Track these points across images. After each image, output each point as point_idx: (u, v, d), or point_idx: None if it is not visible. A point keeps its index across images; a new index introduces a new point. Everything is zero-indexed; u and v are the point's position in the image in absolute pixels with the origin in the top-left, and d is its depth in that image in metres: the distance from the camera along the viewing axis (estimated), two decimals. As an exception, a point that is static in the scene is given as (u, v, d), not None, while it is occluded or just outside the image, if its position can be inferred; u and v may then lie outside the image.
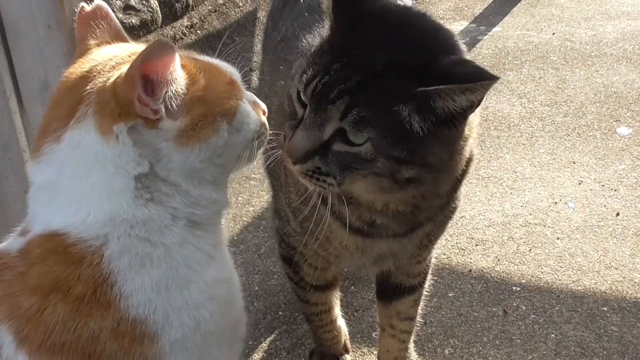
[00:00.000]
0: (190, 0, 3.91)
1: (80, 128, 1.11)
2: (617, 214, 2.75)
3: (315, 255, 1.81)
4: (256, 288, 2.49)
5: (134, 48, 1.23)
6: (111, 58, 1.18)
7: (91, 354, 1.10)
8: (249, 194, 2.97)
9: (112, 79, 1.11)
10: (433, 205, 1.58)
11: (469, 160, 1.57)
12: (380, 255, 1.69)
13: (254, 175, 3.05)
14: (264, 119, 1.33)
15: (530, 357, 2.17)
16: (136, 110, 1.09)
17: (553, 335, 2.24)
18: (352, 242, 1.65)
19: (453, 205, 1.69)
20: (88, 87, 1.13)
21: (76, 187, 1.12)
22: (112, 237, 1.12)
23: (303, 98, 1.37)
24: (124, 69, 1.10)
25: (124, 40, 1.30)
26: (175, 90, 1.11)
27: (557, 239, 2.64)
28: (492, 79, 1.28)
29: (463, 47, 1.45)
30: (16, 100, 1.62)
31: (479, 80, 1.27)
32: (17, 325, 1.10)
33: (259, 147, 1.31)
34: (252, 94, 1.33)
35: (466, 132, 1.41)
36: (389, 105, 1.30)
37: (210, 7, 4.05)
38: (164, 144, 1.13)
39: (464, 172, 1.58)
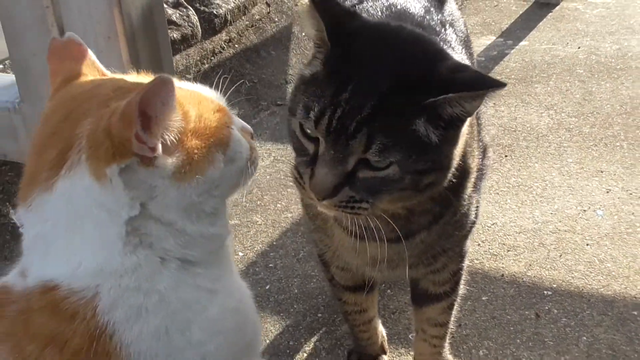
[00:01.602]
0: (229, 16, 3.95)
1: (72, 177, 1.06)
2: (646, 221, 2.74)
3: (332, 253, 1.82)
4: (295, 291, 2.51)
5: (115, 82, 1.18)
6: (94, 95, 1.12)
7: None
8: (287, 201, 3.00)
9: (104, 119, 1.04)
10: (425, 210, 1.55)
11: (465, 172, 1.57)
12: (374, 259, 1.64)
13: (290, 184, 3.07)
14: (253, 143, 1.28)
15: (562, 359, 2.17)
16: (133, 149, 1.03)
17: (585, 338, 2.24)
18: (348, 243, 1.65)
19: (455, 218, 1.65)
20: (76, 132, 1.06)
21: (69, 238, 1.07)
22: (104, 288, 1.07)
23: (312, 133, 1.33)
24: (116, 106, 1.05)
25: (99, 71, 1.25)
26: (171, 126, 1.06)
27: (587, 245, 2.64)
28: (500, 85, 1.29)
29: (447, 50, 1.45)
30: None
31: (486, 87, 1.29)
32: None
33: (252, 173, 1.26)
34: (239, 119, 1.28)
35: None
36: (405, 125, 1.29)
37: (247, 22, 4.08)
38: (160, 181, 1.08)
39: (459, 184, 1.55)
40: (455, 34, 2.02)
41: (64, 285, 1.06)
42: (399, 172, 1.31)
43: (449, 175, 1.43)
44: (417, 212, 1.54)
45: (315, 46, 1.41)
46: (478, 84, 1.29)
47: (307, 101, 1.32)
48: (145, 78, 1.22)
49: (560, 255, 2.59)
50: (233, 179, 1.20)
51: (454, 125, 1.35)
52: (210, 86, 1.26)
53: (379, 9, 1.89)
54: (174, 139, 1.06)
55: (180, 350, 1.11)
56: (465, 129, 1.43)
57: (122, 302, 1.07)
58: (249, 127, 1.29)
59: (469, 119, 1.41)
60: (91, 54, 1.25)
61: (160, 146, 1.05)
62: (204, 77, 3.60)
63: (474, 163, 1.63)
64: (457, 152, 1.43)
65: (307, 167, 1.34)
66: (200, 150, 1.10)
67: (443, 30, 1.97)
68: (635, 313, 2.31)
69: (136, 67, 1.57)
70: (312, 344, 2.30)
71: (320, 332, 2.34)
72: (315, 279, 2.57)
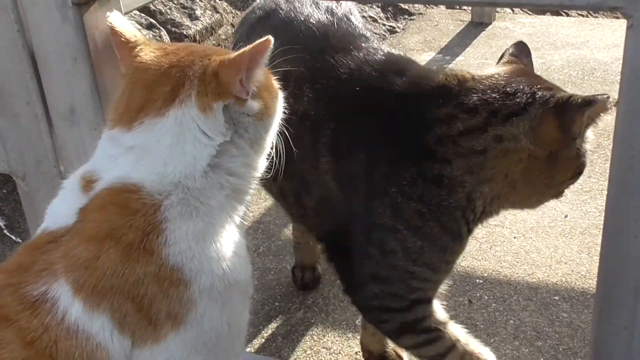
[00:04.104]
0: (197, 36, 3.91)
1: (183, 108, 1.17)
2: (566, 216, 2.75)
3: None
4: (255, 282, 2.47)
5: (199, 45, 1.30)
6: (191, 52, 1.24)
7: (135, 296, 1.12)
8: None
9: (213, 65, 1.18)
10: None
11: None
12: None
13: (253, 186, 3.04)
14: None
15: (492, 340, 2.16)
16: (233, 91, 1.17)
17: (512, 321, 2.23)
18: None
19: None
20: (187, 74, 1.19)
21: (171, 152, 1.17)
22: (174, 193, 1.17)
23: None
24: (223, 56, 1.19)
25: None
26: (258, 79, 1.21)
27: (514, 237, 2.64)
28: None
29: None
30: (46, 123, 1.60)
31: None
32: (75, 276, 1.11)
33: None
34: None
35: None
36: None
37: (214, 42, 4.04)
38: (246, 118, 1.22)
39: None
40: None
41: (145, 188, 1.15)
42: None
43: None
44: None
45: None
46: None
47: None
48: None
49: (491, 247, 2.59)
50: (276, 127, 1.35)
51: None
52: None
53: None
54: (255, 90, 1.22)
55: (208, 259, 1.17)
56: None
57: (183, 202, 1.17)
58: None
59: None
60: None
61: (250, 91, 1.20)
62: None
63: None
64: None
65: None
66: (269, 100, 1.26)
67: None
68: (557, 298, 2.32)
69: (101, 86, 1.55)
70: (270, 330, 2.27)
71: (277, 319, 2.31)
72: (273, 271, 2.54)
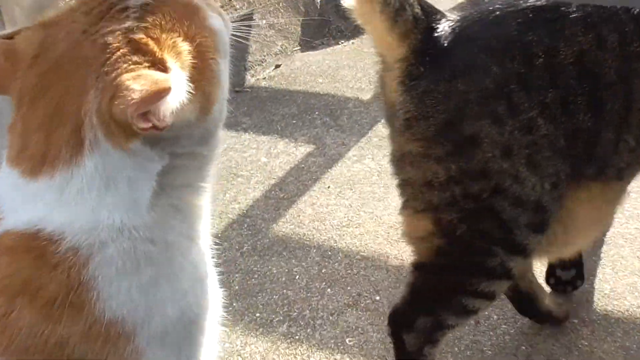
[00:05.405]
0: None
1: (98, 153, 0.93)
2: (587, 222, 2.44)
3: None
4: (236, 287, 2.19)
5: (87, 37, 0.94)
6: (76, 59, 0.93)
7: (58, 358, 0.93)
8: (236, 191, 2.67)
9: (104, 103, 0.89)
10: None
11: None
12: None
13: (241, 173, 2.75)
14: None
15: (500, 369, 1.88)
16: (139, 131, 0.90)
17: (523, 348, 1.94)
18: None
19: None
20: (83, 109, 0.91)
21: (98, 200, 0.94)
22: (114, 243, 0.94)
23: None
24: (115, 87, 0.87)
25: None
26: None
27: (529, 246, 2.34)
28: None
29: None
30: None
31: None
32: None
33: None
34: None
35: None
36: None
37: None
38: (185, 128, 0.97)
39: None
40: None
41: (67, 237, 0.93)
42: None
43: None
44: None
45: None
46: None
47: None
48: None
49: (502, 256, 2.29)
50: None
51: None
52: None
53: None
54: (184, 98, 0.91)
55: (159, 304, 0.98)
56: None
57: (128, 253, 0.95)
58: None
59: None
60: None
61: (167, 115, 0.89)
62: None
63: None
64: None
65: None
66: (208, 86, 0.98)
67: None
68: (575, 321, 2.02)
69: None
70: (247, 346, 1.99)
71: (257, 333, 2.03)
72: (257, 274, 2.25)
